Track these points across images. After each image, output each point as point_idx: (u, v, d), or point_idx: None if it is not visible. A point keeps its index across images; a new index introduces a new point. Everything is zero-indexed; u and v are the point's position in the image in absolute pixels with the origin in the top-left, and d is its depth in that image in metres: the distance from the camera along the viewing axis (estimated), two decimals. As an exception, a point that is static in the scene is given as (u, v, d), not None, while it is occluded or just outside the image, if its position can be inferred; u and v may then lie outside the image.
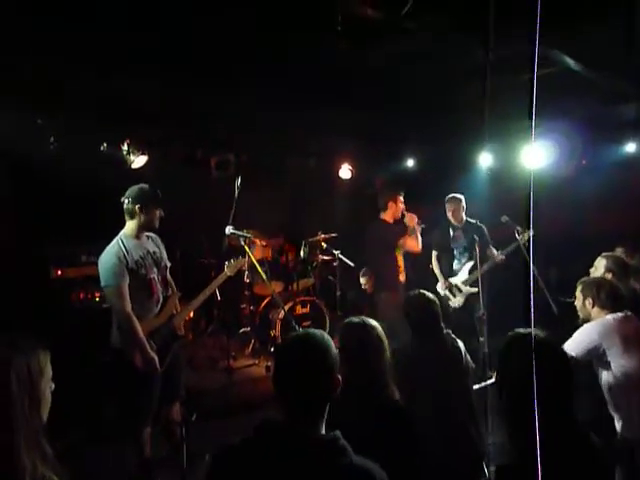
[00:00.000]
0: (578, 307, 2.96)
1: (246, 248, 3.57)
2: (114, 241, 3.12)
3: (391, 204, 4.98)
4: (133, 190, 3.17)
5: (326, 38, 3.49)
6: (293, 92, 4.62)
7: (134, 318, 3.01)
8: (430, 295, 2.83)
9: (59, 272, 4.73)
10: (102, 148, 4.87)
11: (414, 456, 1.98)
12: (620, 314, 2.80)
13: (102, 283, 3.04)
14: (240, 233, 3.59)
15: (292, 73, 4.26)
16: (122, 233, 3.17)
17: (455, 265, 5.23)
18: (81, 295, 4.81)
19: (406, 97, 5.02)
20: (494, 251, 5.05)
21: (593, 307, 2.88)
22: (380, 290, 5.00)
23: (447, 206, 5.24)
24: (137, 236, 3.19)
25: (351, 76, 4.39)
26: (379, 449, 1.45)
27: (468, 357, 2.78)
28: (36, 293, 4.63)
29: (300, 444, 1.39)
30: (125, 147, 4.94)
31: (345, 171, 6.87)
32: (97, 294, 4.84)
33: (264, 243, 5.98)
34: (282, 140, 5.95)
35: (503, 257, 4.93)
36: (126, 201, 3.14)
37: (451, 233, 5.18)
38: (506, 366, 1.69)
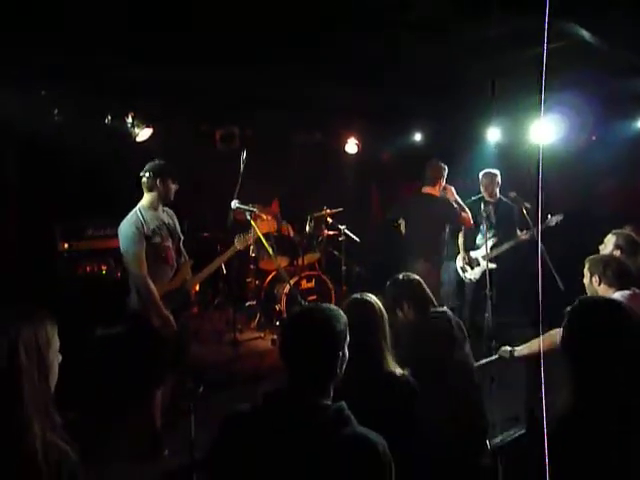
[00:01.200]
0: (585, 284, 2.94)
1: (252, 222, 3.58)
2: (132, 211, 3.34)
3: (440, 178, 4.82)
4: (152, 165, 3.40)
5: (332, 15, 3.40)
6: (299, 66, 4.52)
7: (150, 281, 3.24)
8: (415, 275, 2.88)
9: (66, 245, 4.74)
10: (106, 121, 4.83)
11: (413, 430, 2.01)
12: (627, 292, 2.76)
13: (121, 249, 3.30)
14: (246, 207, 3.61)
15: (298, 48, 4.16)
16: (140, 205, 3.39)
17: (478, 240, 5.22)
18: (88, 268, 4.83)
19: (413, 71, 4.90)
20: (518, 231, 5.05)
21: (600, 285, 2.85)
22: (422, 259, 4.75)
23: (481, 180, 5.23)
24: (154, 208, 3.41)
25: (358, 51, 4.28)
26: (379, 423, 1.46)
27: (465, 333, 2.79)
28: (43, 266, 4.66)
29: (306, 412, 1.42)
30: (130, 120, 4.90)
31: (351, 146, 6.79)
32: (104, 267, 4.85)
33: (269, 217, 5.96)
34: (287, 114, 5.86)
35: (527, 237, 4.94)
36: (147, 175, 3.37)
37: (482, 207, 5.10)
38: (582, 329, 1.74)
